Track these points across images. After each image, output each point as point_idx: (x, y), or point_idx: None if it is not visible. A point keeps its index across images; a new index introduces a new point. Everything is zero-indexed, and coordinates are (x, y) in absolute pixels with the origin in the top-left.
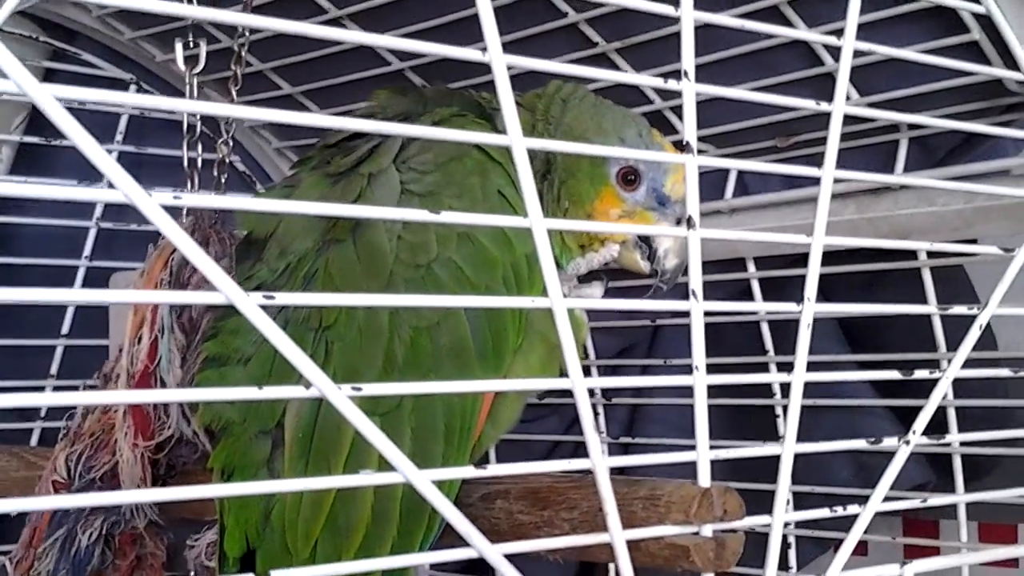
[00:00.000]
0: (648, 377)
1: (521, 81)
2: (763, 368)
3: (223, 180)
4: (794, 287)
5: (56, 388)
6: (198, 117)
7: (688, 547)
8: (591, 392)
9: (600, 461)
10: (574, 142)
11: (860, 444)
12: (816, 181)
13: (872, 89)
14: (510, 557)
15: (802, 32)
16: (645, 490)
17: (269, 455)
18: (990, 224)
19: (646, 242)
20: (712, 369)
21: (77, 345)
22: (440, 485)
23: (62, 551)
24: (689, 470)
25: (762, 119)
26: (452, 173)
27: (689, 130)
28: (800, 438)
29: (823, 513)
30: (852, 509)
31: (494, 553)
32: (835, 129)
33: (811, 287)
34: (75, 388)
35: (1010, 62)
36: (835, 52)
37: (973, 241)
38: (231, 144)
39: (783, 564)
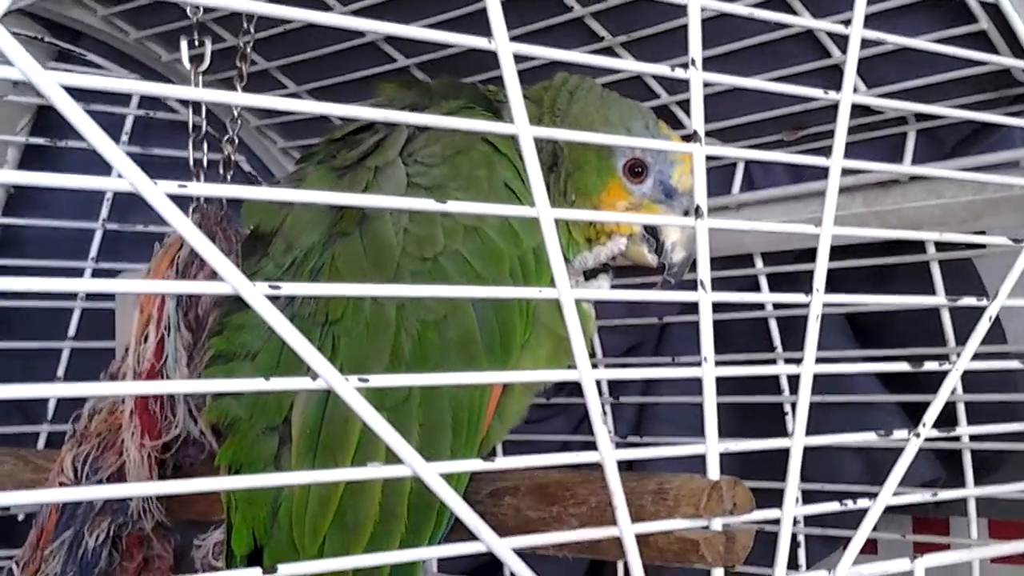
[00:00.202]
0: (657, 369)
1: (527, 78)
2: (771, 361)
3: (228, 179)
4: (802, 283)
5: (62, 396)
6: (203, 116)
7: (698, 541)
8: (599, 391)
9: (609, 453)
10: None
11: (870, 437)
12: (823, 174)
13: (880, 81)
14: (519, 553)
15: (809, 20)
16: (654, 484)
17: (276, 451)
18: (999, 216)
19: (653, 235)
20: (720, 366)
21: (83, 348)
22: (448, 480)
23: (69, 553)
24: (698, 468)
25: (769, 112)
26: (459, 166)
27: (696, 119)
28: (809, 435)
29: (833, 507)
30: (862, 503)
31: (502, 547)
32: (843, 118)
33: (820, 278)
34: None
35: (1018, 51)
36: (842, 44)
37: (982, 234)
38: (236, 142)
39: (792, 563)
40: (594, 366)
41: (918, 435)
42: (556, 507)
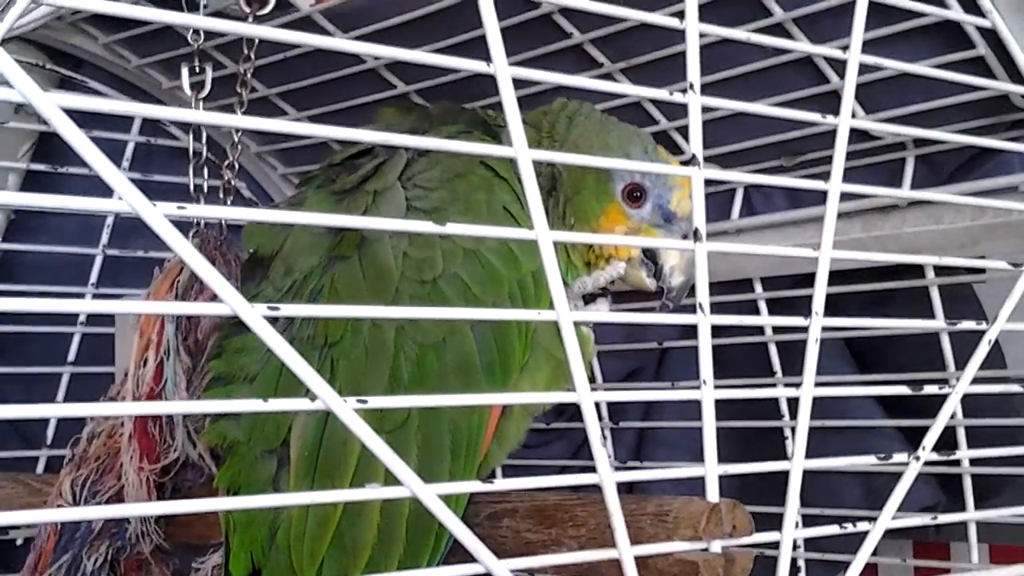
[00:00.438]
0: (655, 391)
1: (526, 104)
2: (771, 386)
3: (229, 205)
4: (801, 308)
5: (62, 416)
6: (204, 143)
7: (697, 563)
8: (599, 416)
9: (608, 475)
10: None
11: (870, 460)
12: (822, 200)
13: (878, 107)
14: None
15: (807, 46)
16: (653, 506)
17: (275, 474)
18: (997, 242)
19: (652, 260)
20: (719, 389)
21: (83, 373)
22: (446, 502)
23: None
24: (698, 493)
25: (768, 138)
26: (458, 190)
27: (695, 143)
28: (809, 460)
29: (832, 530)
30: (862, 526)
31: (501, 568)
32: (841, 142)
33: (819, 301)
34: (81, 416)
35: (1016, 76)
36: (840, 69)
37: (981, 258)
38: (236, 168)
39: None
40: (593, 390)
41: (918, 458)
42: (555, 529)
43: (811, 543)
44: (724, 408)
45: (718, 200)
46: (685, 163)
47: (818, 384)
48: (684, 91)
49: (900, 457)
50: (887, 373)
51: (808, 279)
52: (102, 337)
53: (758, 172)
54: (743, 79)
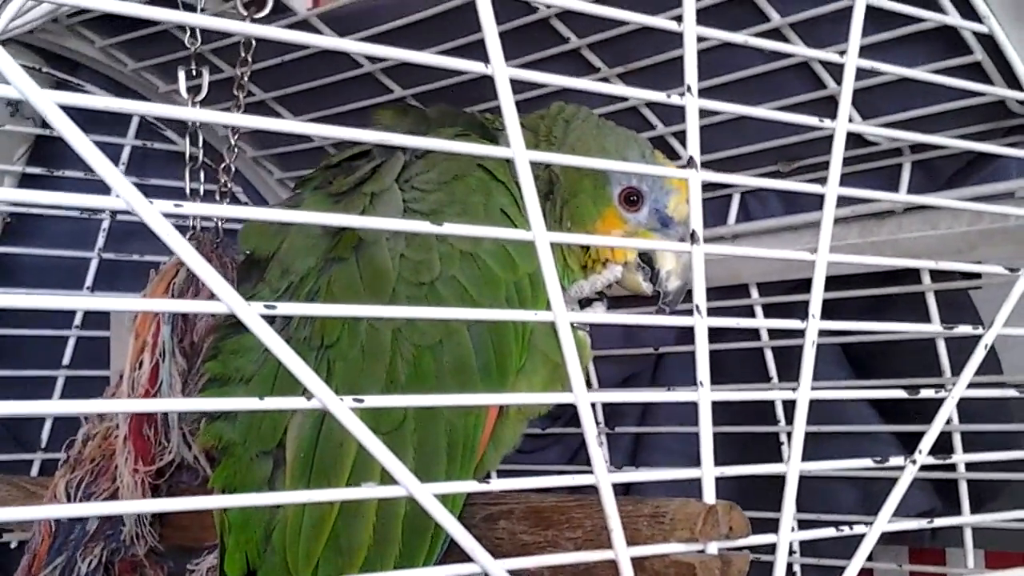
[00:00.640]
0: (652, 392)
1: (524, 109)
2: (767, 376)
3: (227, 202)
4: (798, 314)
5: (56, 419)
6: (200, 147)
7: (694, 564)
8: (595, 422)
9: (604, 476)
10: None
11: (866, 463)
12: (819, 205)
13: (875, 112)
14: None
15: (805, 49)
16: (649, 508)
17: (270, 475)
18: (994, 247)
19: (648, 264)
20: (716, 391)
21: (78, 376)
22: (443, 503)
23: None
24: (695, 497)
25: (765, 144)
26: (455, 192)
27: (692, 145)
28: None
29: (829, 532)
30: (859, 529)
31: (497, 568)
32: (839, 145)
33: (816, 303)
34: (76, 418)
35: (1013, 82)
36: (837, 74)
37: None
38: (232, 170)
39: None
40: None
41: (914, 462)
42: (551, 531)
43: (807, 548)
44: (720, 415)
45: (715, 206)
46: (682, 167)
47: (815, 389)
48: (681, 94)
49: (896, 460)
50: (884, 379)
51: (805, 284)
52: (97, 341)
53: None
54: (740, 85)
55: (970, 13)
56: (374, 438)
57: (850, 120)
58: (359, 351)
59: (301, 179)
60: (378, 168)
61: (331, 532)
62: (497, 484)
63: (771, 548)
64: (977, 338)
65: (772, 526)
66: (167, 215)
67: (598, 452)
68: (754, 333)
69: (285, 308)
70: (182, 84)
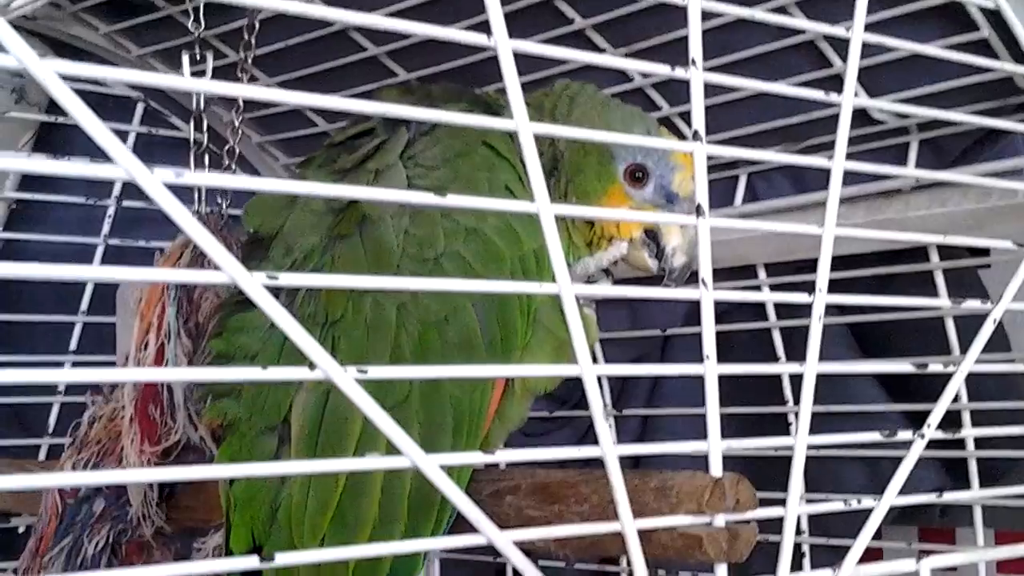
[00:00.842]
0: (660, 366)
1: (528, 90)
2: (775, 378)
3: (229, 195)
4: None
5: (63, 404)
6: (204, 133)
7: (701, 537)
8: (603, 404)
9: (610, 449)
10: (581, 141)
11: (874, 437)
12: (825, 184)
13: (880, 91)
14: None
15: (810, 23)
16: (656, 481)
17: (276, 451)
18: (1002, 225)
19: (654, 240)
20: (722, 379)
21: (85, 362)
22: (448, 477)
23: (68, 560)
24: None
25: (770, 123)
26: (459, 169)
27: (697, 118)
28: (813, 447)
29: (837, 506)
30: (867, 502)
31: (503, 540)
32: (845, 119)
33: (823, 277)
34: (83, 403)
35: (1020, 58)
36: (843, 53)
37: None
38: (236, 153)
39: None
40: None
41: (922, 436)
42: (558, 505)
43: (815, 527)
44: (727, 395)
45: (721, 186)
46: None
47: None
48: (686, 67)
49: (905, 435)
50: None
51: (812, 266)
52: (103, 327)
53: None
54: (745, 64)
55: None
56: (379, 409)
57: (856, 95)
58: (363, 328)
59: (305, 159)
60: (382, 145)
61: (336, 508)
62: (503, 455)
63: (779, 527)
64: (986, 314)
65: (780, 508)
66: (169, 185)
67: (604, 425)
68: (761, 316)
69: (287, 278)
70: (186, 69)
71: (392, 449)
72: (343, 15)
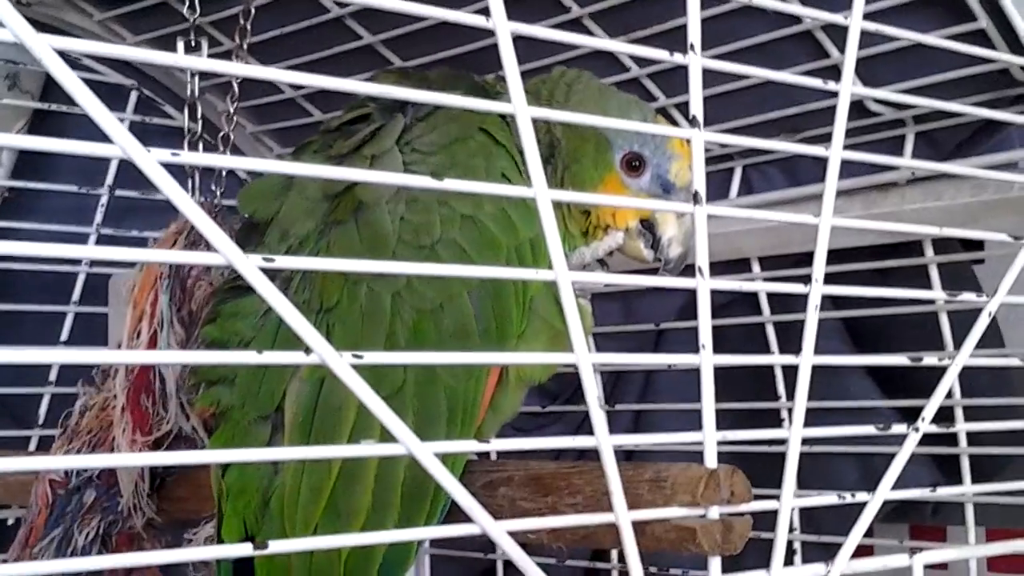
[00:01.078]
0: (655, 355)
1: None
2: (767, 377)
3: (223, 183)
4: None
5: (54, 396)
6: (199, 121)
7: (695, 529)
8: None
9: (605, 438)
10: (578, 128)
11: (869, 430)
12: (820, 178)
13: (878, 82)
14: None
15: (809, 10)
16: (651, 472)
17: (269, 440)
18: (997, 218)
19: (650, 230)
20: (715, 377)
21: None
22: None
23: (58, 551)
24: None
25: (767, 115)
26: (456, 154)
27: (695, 105)
28: (806, 442)
29: (831, 500)
30: (861, 496)
31: (497, 529)
32: (843, 108)
33: (819, 268)
34: (74, 395)
35: (1018, 49)
36: (840, 43)
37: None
38: (230, 139)
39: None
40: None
41: (917, 429)
42: (551, 497)
43: (807, 524)
44: (721, 390)
45: (716, 179)
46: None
47: (816, 366)
48: (684, 53)
49: (899, 428)
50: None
51: (807, 259)
52: (95, 317)
53: (758, 150)
54: (742, 55)
55: None
56: (374, 395)
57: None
58: (358, 315)
59: (300, 144)
60: (378, 131)
61: (330, 498)
62: (498, 444)
63: (771, 524)
64: (980, 308)
65: (774, 500)
66: (168, 167)
67: (600, 415)
68: (755, 311)
69: (284, 261)
70: (180, 53)
71: (386, 437)
72: None
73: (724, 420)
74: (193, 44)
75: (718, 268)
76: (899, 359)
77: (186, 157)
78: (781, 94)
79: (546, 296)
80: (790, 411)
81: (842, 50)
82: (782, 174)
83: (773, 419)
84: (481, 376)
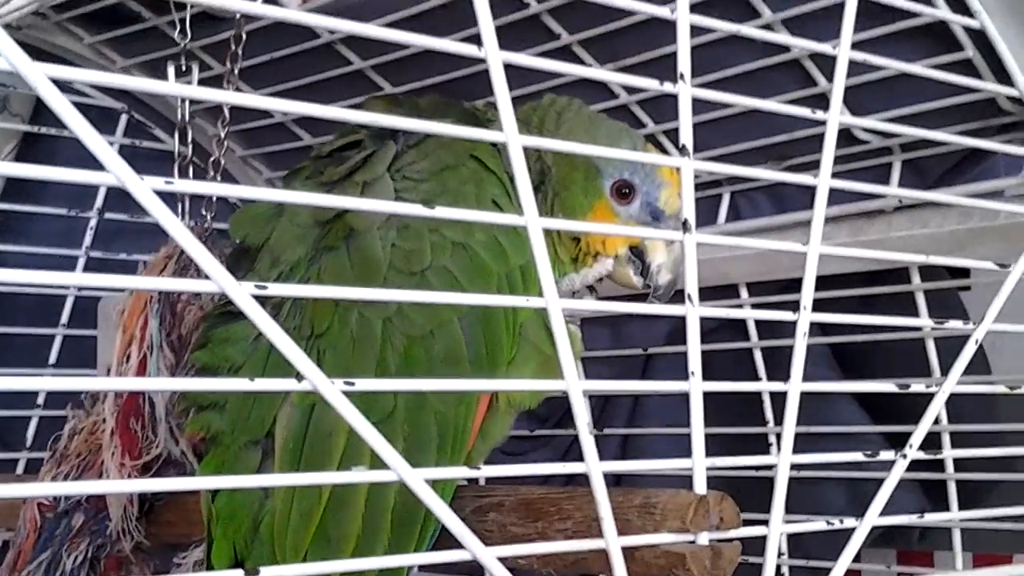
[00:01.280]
0: (645, 382)
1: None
2: (755, 403)
3: (214, 207)
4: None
5: (42, 419)
6: (189, 145)
7: (684, 555)
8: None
9: (595, 464)
10: (568, 156)
11: (857, 457)
12: (808, 205)
13: (864, 111)
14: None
15: (797, 40)
16: (640, 498)
17: (259, 465)
18: (984, 246)
19: (639, 258)
20: (705, 401)
21: (65, 375)
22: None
23: (47, 574)
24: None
25: (755, 142)
26: (447, 182)
27: (685, 133)
28: (795, 467)
29: (820, 525)
30: (849, 522)
31: (487, 555)
32: (831, 137)
33: (807, 295)
34: (63, 417)
35: (1004, 78)
36: (828, 71)
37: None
38: (221, 164)
39: None
40: None
41: (904, 456)
42: (541, 522)
43: (795, 550)
44: (708, 418)
45: (704, 205)
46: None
47: (804, 393)
48: (674, 82)
49: (887, 455)
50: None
51: (794, 285)
52: (84, 340)
53: (746, 177)
54: (731, 83)
55: (961, 8)
56: (364, 421)
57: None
58: (349, 341)
59: (291, 170)
60: (369, 158)
61: (319, 523)
62: (489, 470)
63: (760, 548)
64: (967, 336)
65: (763, 526)
66: (158, 192)
67: (589, 440)
68: (743, 336)
69: (277, 288)
70: (171, 78)
71: (377, 462)
72: (335, 23)
73: (711, 443)
74: (184, 69)
75: (706, 293)
76: (887, 386)
77: (180, 185)
78: (768, 122)
79: (536, 322)
80: (778, 436)
81: (830, 79)
82: (769, 200)
83: (760, 441)
84: (471, 402)
